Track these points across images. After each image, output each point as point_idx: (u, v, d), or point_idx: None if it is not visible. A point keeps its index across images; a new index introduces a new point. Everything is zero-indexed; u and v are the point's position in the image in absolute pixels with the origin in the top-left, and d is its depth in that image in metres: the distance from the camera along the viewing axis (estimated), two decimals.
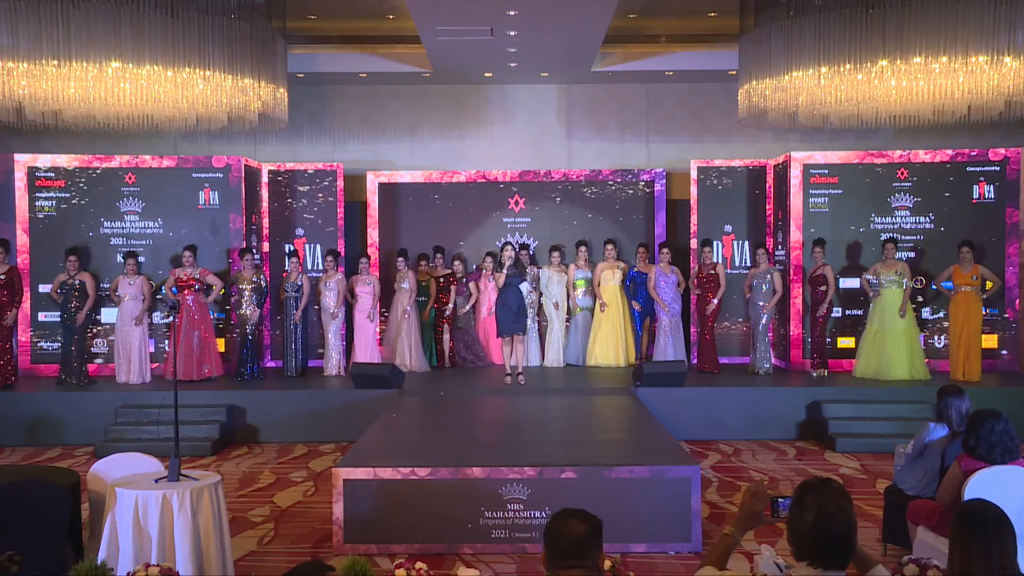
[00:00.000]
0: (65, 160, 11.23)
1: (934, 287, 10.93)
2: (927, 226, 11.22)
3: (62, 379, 10.22)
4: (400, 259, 11.30)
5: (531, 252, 11.97)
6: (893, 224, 11.21)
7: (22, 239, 11.09)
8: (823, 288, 10.60)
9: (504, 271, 9.89)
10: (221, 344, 10.95)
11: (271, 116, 10.57)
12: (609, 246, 11.51)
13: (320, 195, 11.97)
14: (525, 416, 8.48)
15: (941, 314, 11.06)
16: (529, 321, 11.06)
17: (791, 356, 11.14)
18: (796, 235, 11.14)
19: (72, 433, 9.52)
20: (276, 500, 7.35)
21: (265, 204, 11.97)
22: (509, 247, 10.08)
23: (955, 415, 5.42)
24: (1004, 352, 11.02)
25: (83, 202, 11.18)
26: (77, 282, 10.34)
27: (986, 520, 3.05)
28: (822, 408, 9.40)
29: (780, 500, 2.92)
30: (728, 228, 11.93)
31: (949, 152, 11.30)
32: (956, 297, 10.32)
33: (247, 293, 10.62)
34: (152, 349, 10.82)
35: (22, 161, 11.17)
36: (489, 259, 11.56)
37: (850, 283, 11.10)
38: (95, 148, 12.07)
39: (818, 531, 2.61)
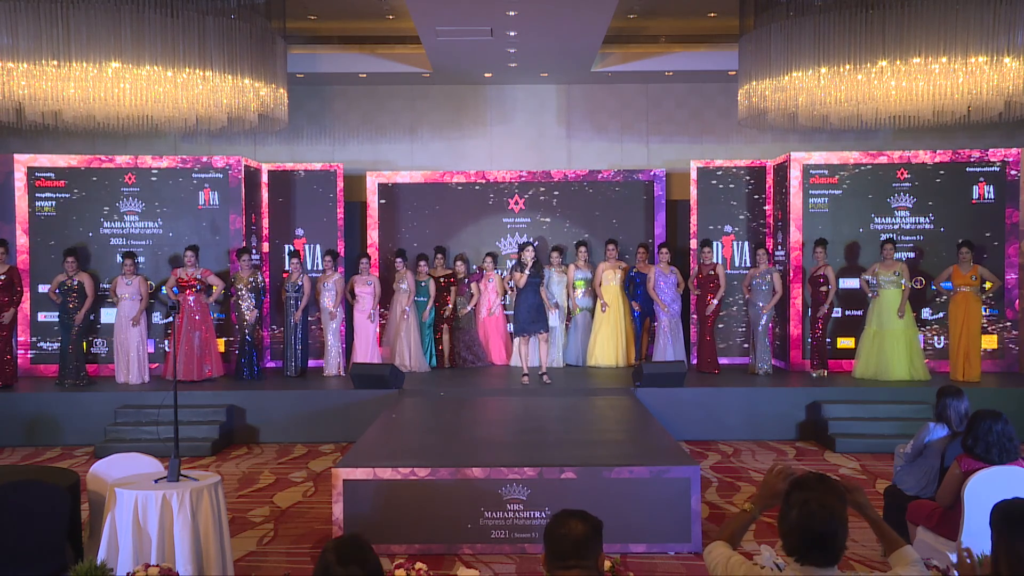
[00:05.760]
0: (65, 160, 11.23)
1: (934, 287, 10.93)
2: (927, 226, 11.22)
3: (61, 379, 10.22)
4: (399, 260, 11.30)
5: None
6: (893, 224, 11.21)
7: (22, 239, 11.08)
8: (824, 288, 10.60)
9: (526, 272, 9.78)
10: (221, 344, 10.95)
11: (271, 116, 10.57)
12: (611, 246, 11.50)
13: (320, 195, 11.97)
14: (525, 416, 8.48)
15: (941, 314, 11.06)
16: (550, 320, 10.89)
17: (791, 356, 11.14)
18: (796, 235, 11.14)
19: (72, 433, 9.52)
20: (276, 500, 7.34)
21: (265, 204, 11.97)
22: (530, 248, 9.92)
23: (954, 415, 5.43)
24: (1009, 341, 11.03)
25: (83, 202, 11.18)
26: (75, 283, 10.32)
27: None
28: (822, 408, 9.40)
29: None
30: (728, 228, 11.93)
31: (949, 152, 11.30)
32: (956, 297, 10.31)
33: (245, 293, 10.62)
34: (151, 349, 10.82)
35: (22, 161, 11.16)
36: (489, 259, 11.56)
37: (850, 283, 11.10)
38: (95, 148, 12.08)
39: (800, 528, 2.61)
